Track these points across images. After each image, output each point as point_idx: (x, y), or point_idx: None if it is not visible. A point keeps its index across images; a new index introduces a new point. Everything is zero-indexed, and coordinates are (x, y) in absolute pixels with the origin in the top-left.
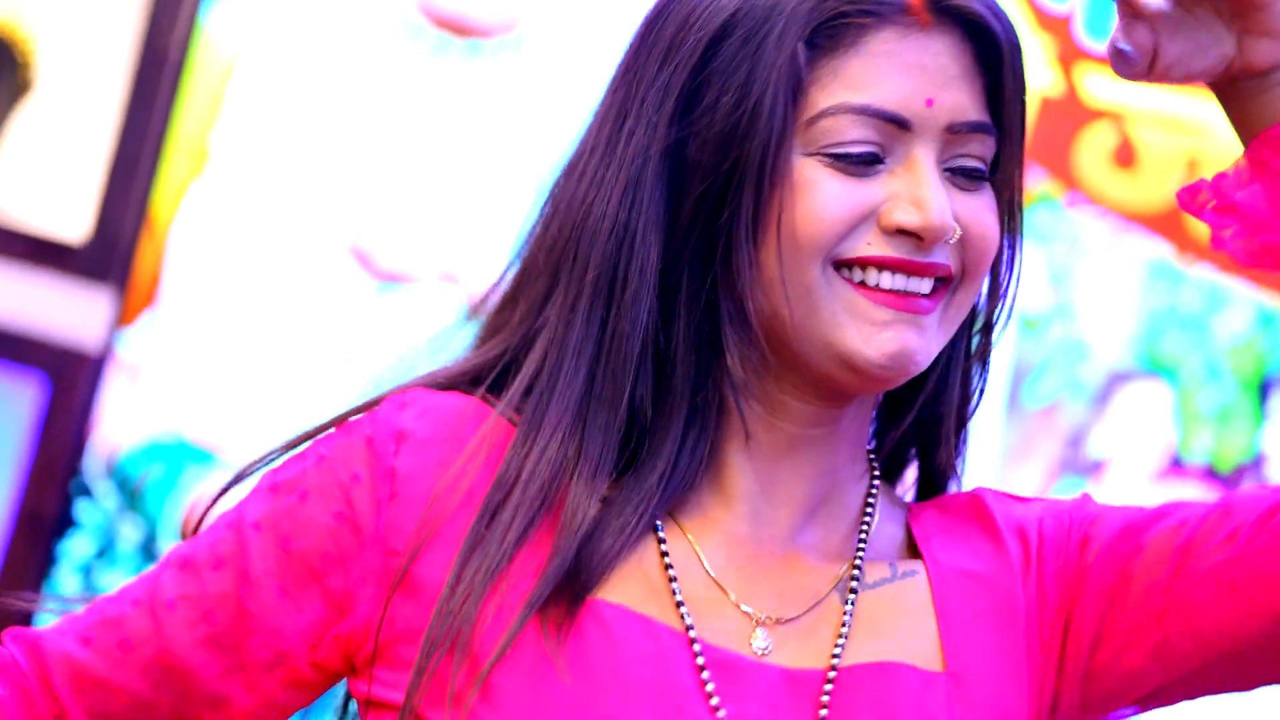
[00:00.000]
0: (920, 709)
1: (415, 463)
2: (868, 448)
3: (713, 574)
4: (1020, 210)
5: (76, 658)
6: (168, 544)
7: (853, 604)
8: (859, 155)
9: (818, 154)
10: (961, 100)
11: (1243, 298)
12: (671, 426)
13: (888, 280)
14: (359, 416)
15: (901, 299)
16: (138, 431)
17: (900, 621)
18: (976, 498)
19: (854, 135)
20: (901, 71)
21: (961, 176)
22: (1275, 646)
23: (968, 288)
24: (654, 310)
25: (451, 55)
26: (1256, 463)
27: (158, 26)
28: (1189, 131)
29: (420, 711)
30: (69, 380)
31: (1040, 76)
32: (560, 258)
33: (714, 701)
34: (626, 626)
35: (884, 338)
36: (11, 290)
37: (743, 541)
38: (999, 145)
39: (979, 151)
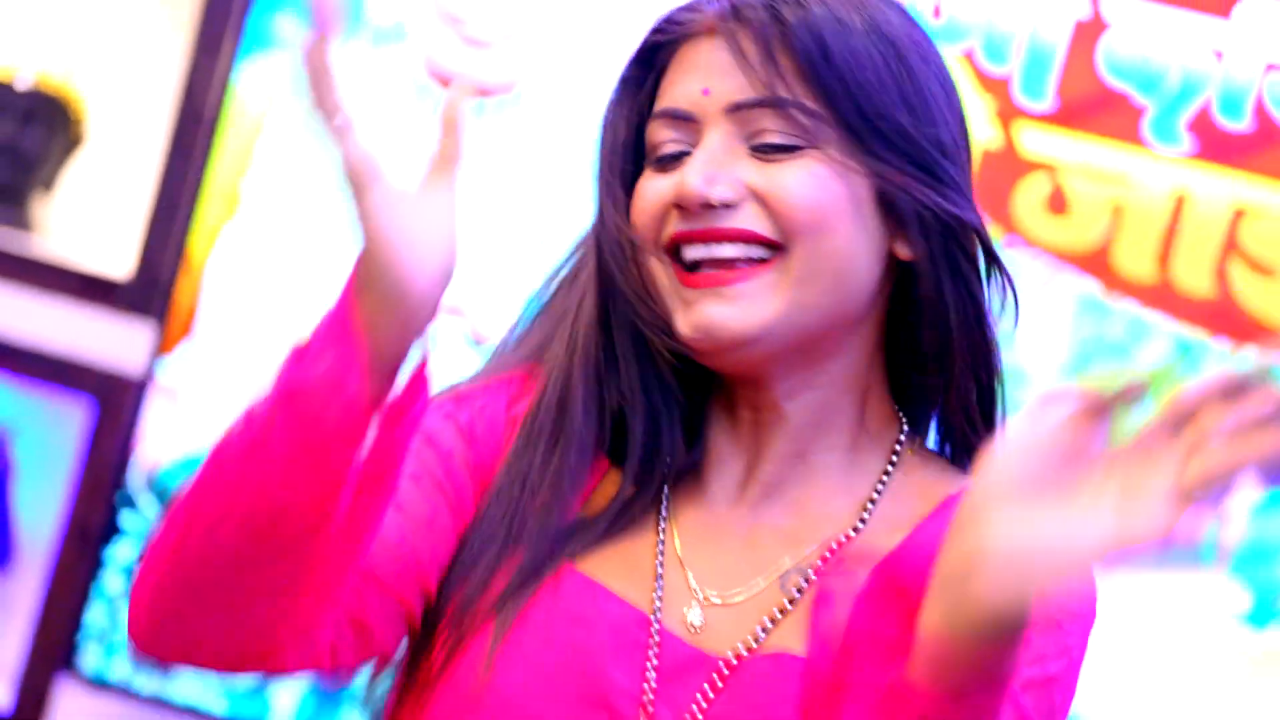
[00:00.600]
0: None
1: (485, 443)
2: (894, 430)
3: (680, 552)
4: (916, 160)
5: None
6: None
7: (800, 592)
8: (664, 155)
9: (649, 165)
10: (740, 83)
11: (1163, 329)
12: (635, 426)
13: (693, 252)
14: (466, 390)
15: (705, 276)
16: (176, 449)
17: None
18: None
19: (661, 138)
20: (688, 73)
21: (763, 151)
22: None
23: (802, 249)
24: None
25: None
26: None
27: (194, 87)
28: (1114, 182)
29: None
30: (115, 403)
31: (981, 132)
32: (576, 297)
33: (650, 678)
34: (588, 596)
35: (692, 313)
36: (64, 322)
37: (714, 519)
38: (841, 119)
39: (780, 125)
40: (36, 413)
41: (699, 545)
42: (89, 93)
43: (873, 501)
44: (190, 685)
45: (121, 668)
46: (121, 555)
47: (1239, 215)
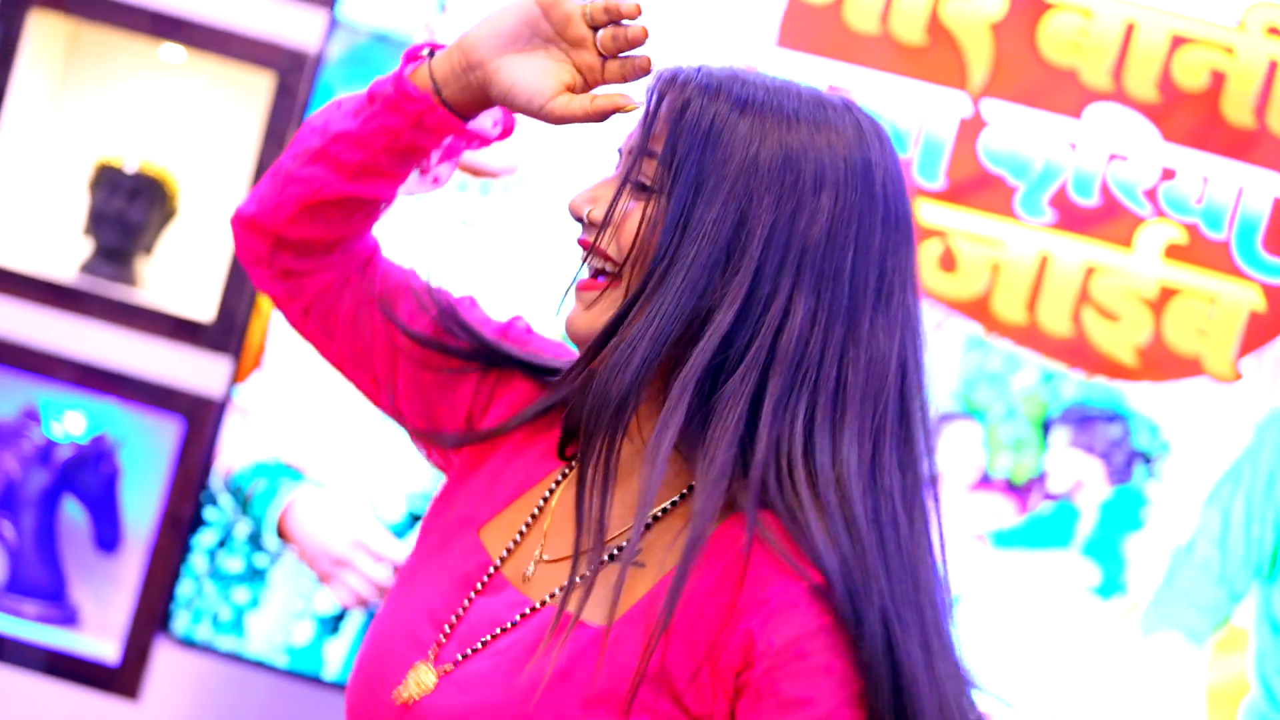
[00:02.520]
0: (567, 653)
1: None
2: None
3: (548, 518)
4: (686, 219)
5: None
6: (270, 538)
7: (598, 566)
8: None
9: None
10: (636, 133)
11: (1031, 362)
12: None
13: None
14: None
15: (579, 282)
16: (248, 456)
17: (611, 592)
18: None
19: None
20: (636, 117)
21: (634, 188)
22: None
23: (628, 276)
24: None
25: (471, 191)
26: (1041, 478)
27: (264, 170)
28: (992, 245)
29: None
30: (200, 420)
31: None
32: None
33: (465, 604)
34: (472, 555)
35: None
36: (160, 356)
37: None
38: (677, 171)
39: (646, 171)
40: (138, 428)
41: (562, 513)
42: (182, 174)
43: (664, 511)
44: (258, 644)
45: (205, 630)
46: (204, 541)
47: (1090, 272)
